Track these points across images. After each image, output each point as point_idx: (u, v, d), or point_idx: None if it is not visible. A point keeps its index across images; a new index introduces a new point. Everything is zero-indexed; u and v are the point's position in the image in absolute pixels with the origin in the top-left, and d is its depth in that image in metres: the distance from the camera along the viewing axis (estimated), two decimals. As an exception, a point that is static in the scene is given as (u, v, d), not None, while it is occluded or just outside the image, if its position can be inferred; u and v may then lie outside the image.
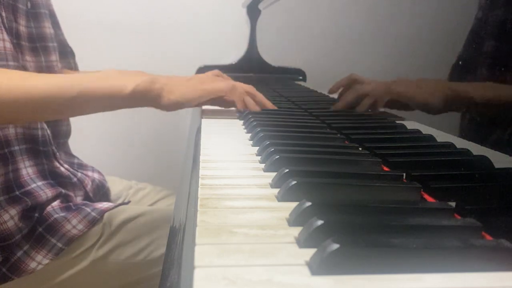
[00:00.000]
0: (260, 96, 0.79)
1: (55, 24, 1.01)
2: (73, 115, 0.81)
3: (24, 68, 0.81)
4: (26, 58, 0.83)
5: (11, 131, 0.77)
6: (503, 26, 0.42)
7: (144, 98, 0.68)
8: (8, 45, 0.76)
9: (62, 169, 0.86)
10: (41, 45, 0.87)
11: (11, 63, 0.76)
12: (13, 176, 0.77)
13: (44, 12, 0.89)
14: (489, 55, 0.44)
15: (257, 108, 0.77)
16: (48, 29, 0.90)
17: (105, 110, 0.72)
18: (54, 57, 0.90)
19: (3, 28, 0.76)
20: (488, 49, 0.44)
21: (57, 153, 0.88)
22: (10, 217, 0.74)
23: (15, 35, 0.81)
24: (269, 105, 0.79)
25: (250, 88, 0.78)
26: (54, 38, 0.91)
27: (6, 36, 0.76)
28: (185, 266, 0.28)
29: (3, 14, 0.78)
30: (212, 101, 0.77)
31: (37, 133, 0.82)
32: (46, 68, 0.87)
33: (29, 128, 0.81)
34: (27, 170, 0.79)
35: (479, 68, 0.45)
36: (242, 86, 0.77)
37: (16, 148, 0.78)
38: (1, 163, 0.75)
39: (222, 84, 0.74)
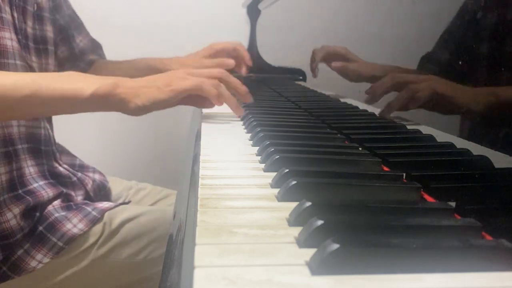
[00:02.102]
0: (233, 81, 0.76)
1: (82, 23, 1.04)
2: (30, 115, 0.79)
3: (31, 68, 0.82)
4: (33, 58, 0.84)
5: (14, 129, 0.77)
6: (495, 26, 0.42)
7: (106, 102, 0.65)
8: (16, 44, 0.77)
9: (61, 169, 0.87)
10: (43, 48, 0.88)
11: (18, 62, 0.77)
12: (17, 175, 0.77)
13: (47, 16, 0.90)
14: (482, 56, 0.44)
15: (233, 100, 0.74)
16: (50, 32, 0.91)
17: (66, 113, 0.69)
18: (51, 60, 0.91)
19: (11, 28, 0.76)
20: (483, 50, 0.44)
21: (57, 154, 0.88)
22: (13, 216, 0.74)
23: (23, 36, 0.82)
24: (243, 89, 0.77)
25: (220, 73, 0.75)
26: (53, 42, 0.93)
27: (14, 36, 0.76)
28: (185, 266, 0.28)
29: (15, 15, 0.79)
30: (185, 102, 0.73)
31: (40, 132, 0.83)
32: (45, 71, 0.88)
33: (31, 127, 0.81)
34: (29, 169, 0.80)
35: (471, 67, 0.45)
36: (212, 78, 0.72)
37: (19, 147, 0.78)
38: (6, 160, 0.76)
39: (190, 82, 0.69)
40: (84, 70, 1.01)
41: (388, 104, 0.63)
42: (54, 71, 0.93)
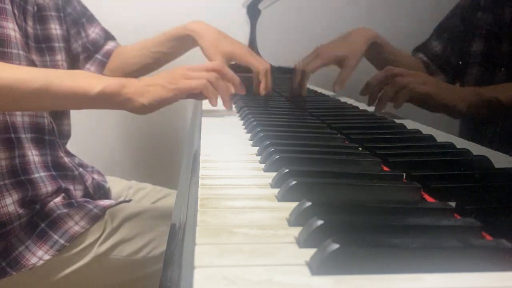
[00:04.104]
0: (229, 73, 0.78)
1: (91, 19, 1.02)
2: (37, 109, 0.81)
3: (32, 63, 0.82)
4: (33, 57, 0.84)
5: (18, 118, 0.78)
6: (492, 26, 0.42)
7: (113, 101, 0.68)
8: (18, 36, 0.78)
9: (66, 159, 0.87)
10: (47, 45, 0.88)
11: (21, 52, 0.78)
12: (19, 162, 0.78)
13: (51, 15, 0.90)
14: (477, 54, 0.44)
15: (227, 93, 0.77)
16: (55, 30, 0.90)
17: (71, 108, 0.72)
18: (60, 56, 0.91)
19: (15, 23, 0.77)
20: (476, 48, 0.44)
21: (61, 145, 0.88)
22: (12, 202, 0.75)
23: (24, 34, 0.82)
24: (237, 81, 0.80)
25: (218, 66, 0.77)
26: (61, 39, 0.92)
27: (17, 28, 0.77)
28: (185, 266, 0.28)
29: (16, 11, 0.79)
30: (185, 96, 0.75)
31: (43, 121, 0.83)
32: (51, 67, 0.88)
33: (35, 116, 0.82)
34: (33, 158, 0.80)
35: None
36: (214, 77, 0.74)
37: (23, 135, 0.79)
38: (6, 146, 0.76)
39: (195, 82, 0.72)
40: (102, 63, 1.01)
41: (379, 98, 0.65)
42: (65, 68, 0.93)
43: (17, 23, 0.79)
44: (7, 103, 0.67)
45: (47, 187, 0.80)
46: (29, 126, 0.80)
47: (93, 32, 1.01)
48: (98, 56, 1.01)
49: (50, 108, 0.84)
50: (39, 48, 0.86)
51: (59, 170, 0.85)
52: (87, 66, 0.99)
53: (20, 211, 0.76)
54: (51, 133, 0.85)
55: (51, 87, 0.65)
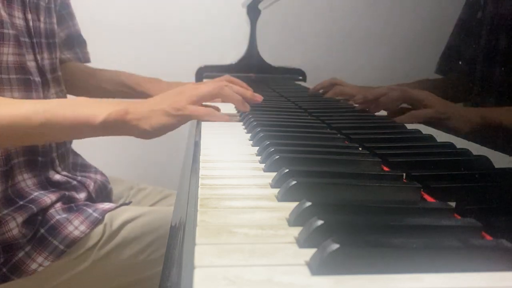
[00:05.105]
0: (237, 88, 0.77)
1: (69, 15, 1.02)
2: (41, 143, 0.80)
3: (41, 70, 0.83)
4: (44, 55, 0.84)
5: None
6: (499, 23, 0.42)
7: (117, 128, 0.66)
8: (18, 59, 0.77)
9: (58, 176, 0.86)
10: (53, 42, 0.89)
11: (14, 76, 0.77)
12: (12, 191, 0.77)
13: (52, 7, 0.90)
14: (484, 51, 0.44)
15: (238, 98, 0.75)
16: (55, 25, 0.91)
17: (76, 138, 0.70)
18: (57, 54, 0.92)
19: (25, 49, 0.77)
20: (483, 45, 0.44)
21: (57, 161, 0.88)
22: (16, 225, 0.74)
23: (37, 34, 0.82)
24: (249, 93, 0.78)
25: (224, 82, 0.76)
26: (56, 34, 0.93)
27: (17, 51, 0.77)
28: (185, 266, 0.28)
29: (29, 16, 0.79)
30: None
31: (38, 145, 0.82)
32: (55, 65, 0.89)
33: None
34: (26, 182, 0.79)
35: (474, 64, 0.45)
36: (220, 88, 0.73)
37: (15, 161, 0.78)
38: (4, 179, 0.76)
39: (202, 111, 0.70)
40: None
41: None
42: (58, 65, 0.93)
43: (29, 33, 0.78)
44: (9, 140, 0.66)
45: (51, 198, 0.79)
46: (21, 150, 0.79)
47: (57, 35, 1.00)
48: None
49: (54, 140, 0.83)
50: (48, 44, 0.87)
51: (55, 186, 0.84)
52: None
53: (24, 230, 0.75)
54: (45, 154, 0.84)
55: (53, 120, 0.63)
